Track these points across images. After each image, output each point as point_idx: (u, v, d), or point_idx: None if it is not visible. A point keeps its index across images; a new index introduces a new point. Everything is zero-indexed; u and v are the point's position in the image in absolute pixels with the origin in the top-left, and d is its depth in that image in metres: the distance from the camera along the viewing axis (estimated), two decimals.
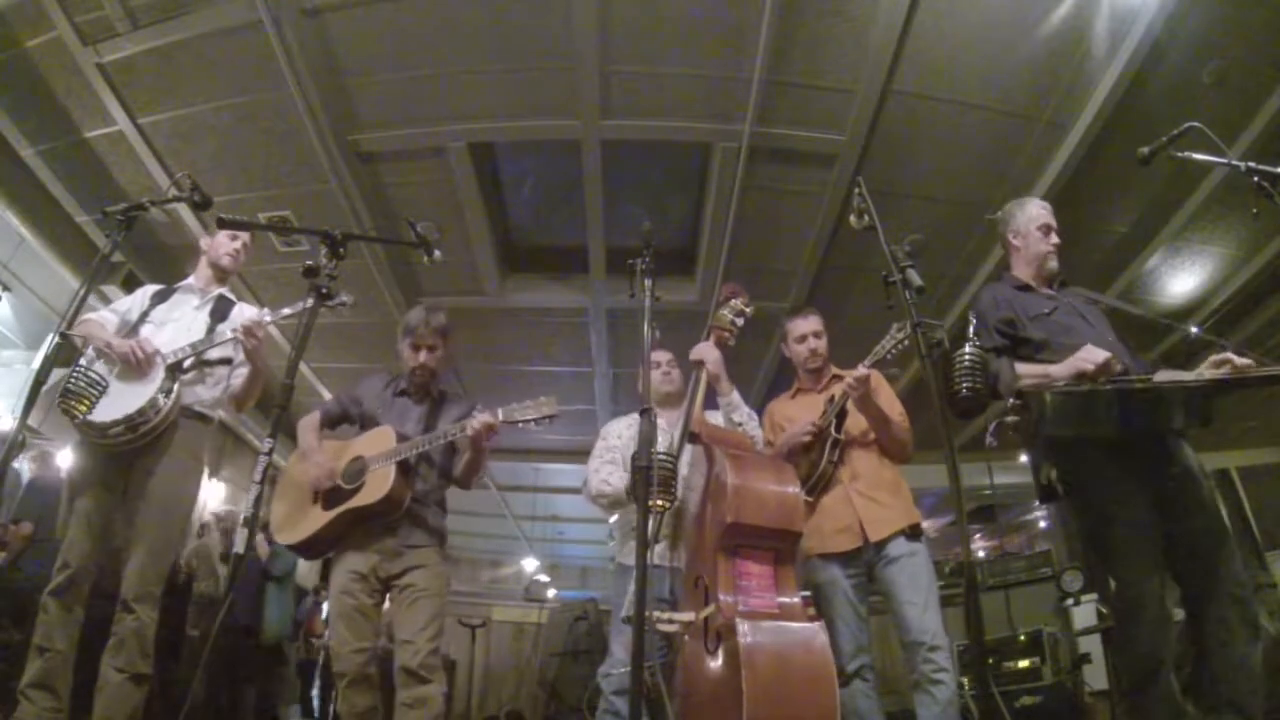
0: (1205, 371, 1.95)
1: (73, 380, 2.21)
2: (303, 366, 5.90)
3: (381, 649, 2.58)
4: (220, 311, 2.70)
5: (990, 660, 5.08)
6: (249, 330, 2.50)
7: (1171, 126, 2.12)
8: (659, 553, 2.52)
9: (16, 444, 2.01)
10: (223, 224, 2.31)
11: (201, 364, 2.59)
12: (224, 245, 2.80)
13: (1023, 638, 5.29)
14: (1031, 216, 2.46)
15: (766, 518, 2.10)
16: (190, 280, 2.79)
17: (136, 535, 2.34)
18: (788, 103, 3.90)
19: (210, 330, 2.61)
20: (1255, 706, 1.83)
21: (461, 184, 4.45)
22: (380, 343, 5.62)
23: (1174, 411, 1.98)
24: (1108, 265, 5.02)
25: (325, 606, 6.30)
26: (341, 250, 2.03)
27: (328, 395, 6.27)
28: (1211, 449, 6.85)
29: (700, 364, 2.50)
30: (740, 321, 2.58)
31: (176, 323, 2.64)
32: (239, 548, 1.73)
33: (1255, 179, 1.96)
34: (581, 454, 3.29)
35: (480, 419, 2.46)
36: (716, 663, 1.96)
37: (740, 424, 2.61)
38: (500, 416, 2.48)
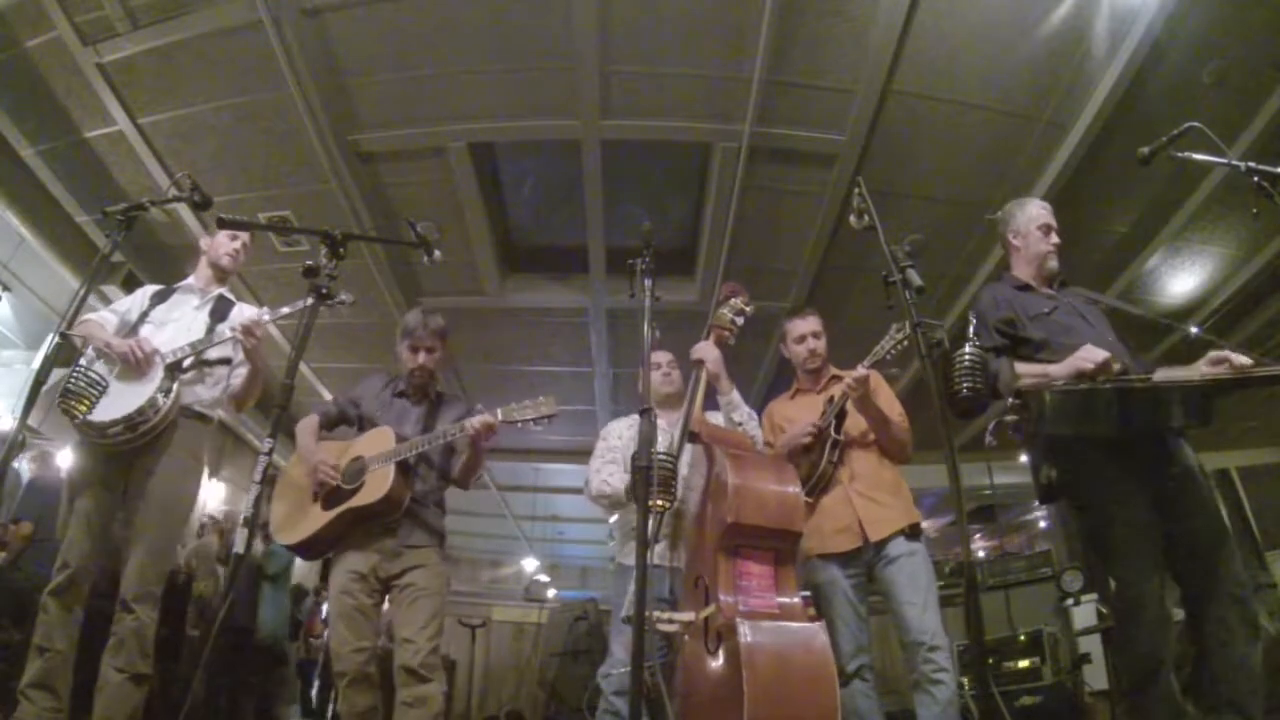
0: (1203, 367, 1.95)
1: (73, 380, 2.21)
2: (303, 366, 5.90)
3: (381, 649, 2.58)
4: (220, 311, 2.70)
5: (990, 660, 5.08)
6: (248, 329, 2.50)
7: (1171, 126, 2.12)
8: (659, 553, 2.52)
9: (16, 444, 2.01)
10: (223, 224, 2.31)
11: (201, 364, 2.59)
12: (224, 245, 2.80)
13: (1023, 638, 5.29)
14: (1031, 216, 2.46)
15: (767, 517, 2.10)
16: (190, 280, 2.79)
17: (136, 535, 2.34)
18: (788, 103, 3.90)
19: (210, 330, 2.61)
20: (1255, 706, 1.83)
21: (461, 184, 4.45)
22: (380, 343, 5.62)
23: (1174, 411, 1.98)
24: (1108, 265, 5.02)
25: (325, 607, 6.30)
26: (341, 250, 2.03)
27: (328, 395, 6.27)
28: (1211, 449, 6.84)
29: (700, 363, 2.50)
30: (740, 321, 2.58)
31: (176, 323, 2.64)
32: (239, 548, 1.73)
33: (1255, 179, 1.95)
34: (581, 454, 3.29)
35: (479, 419, 2.47)
36: (717, 663, 1.96)
37: (740, 423, 2.61)
38: (499, 416, 2.48)
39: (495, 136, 4.29)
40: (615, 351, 6.08)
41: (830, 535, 2.56)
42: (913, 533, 2.52)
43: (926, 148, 4.17)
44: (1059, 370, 2.05)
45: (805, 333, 2.81)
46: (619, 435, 3.02)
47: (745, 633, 1.86)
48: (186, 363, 2.51)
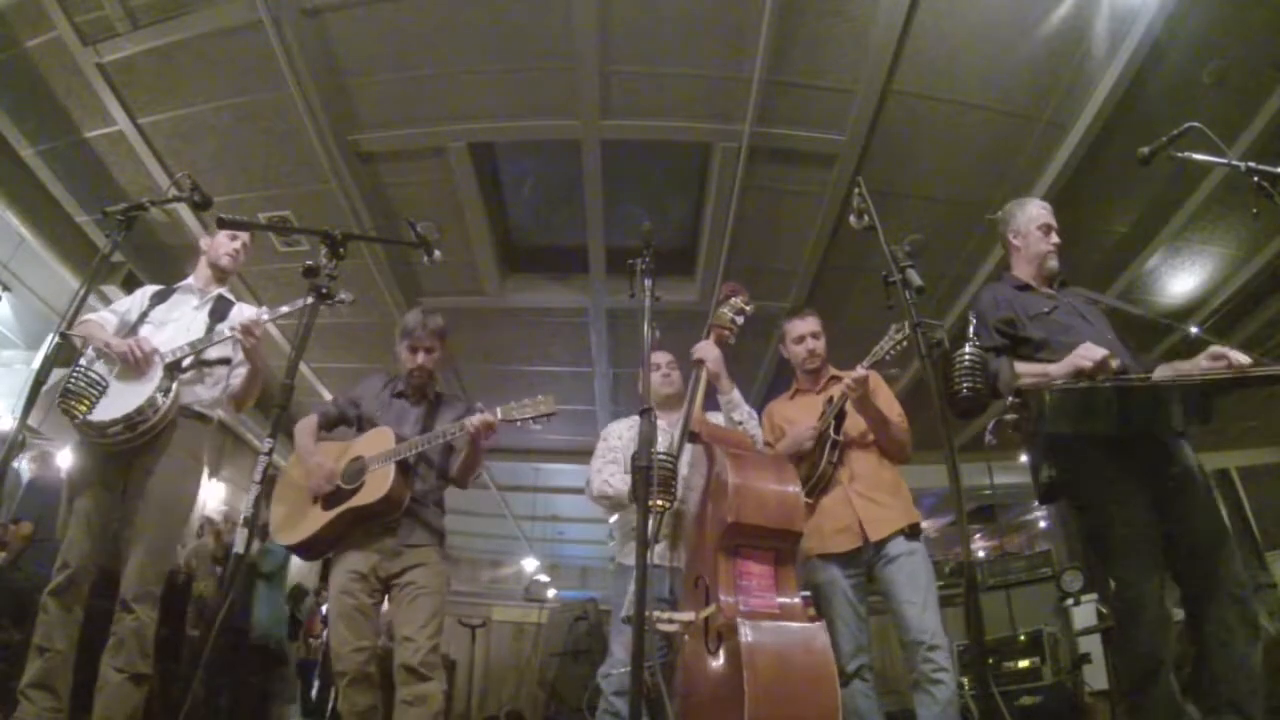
0: (1203, 362, 1.94)
1: (73, 380, 2.21)
2: (303, 366, 5.89)
3: (381, 648, 2.58)
4: (219, 311, 2.70)
5: (990, 660, 5.08)
6: (247, 329, 2.49)
7: (1171, 126, 2.12)
8: (659, 553, 2.52)
9: (16, 444, 2.01)
10: (223, 224, 2.31)
11: (200, 363, 2.59)
12: (223, 245, 2.80)
13: (1023, 638, 5.29)
14: (1031, 216, 2.46)
15: (767, 517, 2.10)
16: (190, 280, 2.79)
17: (136, 535, 2.34)
18: (788, 103, 3.90)
19: (209, 330, 2.61)
20: (1255, 706, 1.83)
21: (461, 184, 4.45)
22: (380, 343, 5.62)
23: (1173, 409, 1.98)
24: (1108, 265, 5.02)
25: (325, 608, 6.29)
26: (341, 250, 2.02)
27: (328, 395, 6.27)
28: (1211, 449, 6.85)
29: (701, 362, 2.50)
30: (740, 320, 2.58)
31: (176, 323, 2.64)
32: (239, 548, 1.73)
33: (1255, 179, 1.95)
34: (581, 454, 3.29)
35: (479, 417, 2.47)
36: (717, 663, 1.96)
37: (740, 422, 2.61)
38: (499, 415, 2.48)
39: (495, 136, 4.29)
40: (615, 351, 6.08)
41: (830, 535, 2.56)
42: (912, 532, 2.52)
43: (926, 148, 4.16)
44: (1058, 369, 2.05)
45: (804, 333, 2.81)
46: (619, 436, 3.02)
47: (746, 633, 1.86)
48: (186, 362, 2.51)
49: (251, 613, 5.12)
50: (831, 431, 2.60)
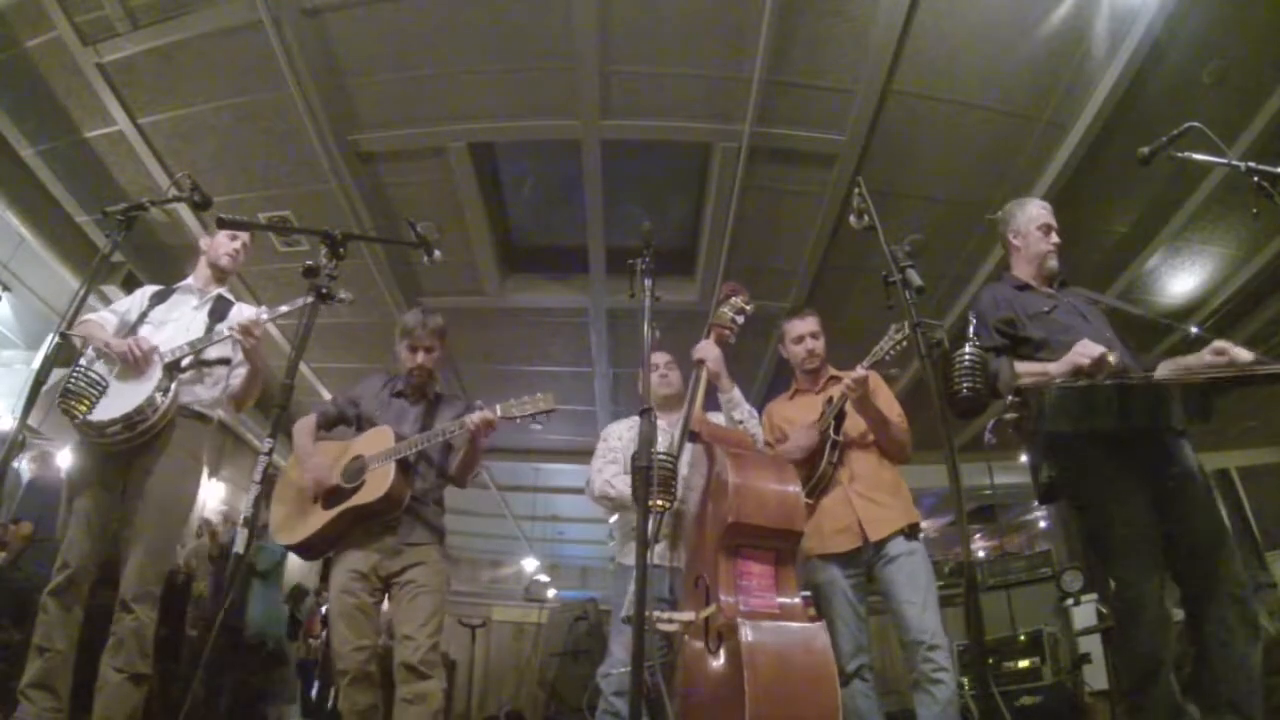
0: (1206, 356, 1.94)
1: (73, 380, 2.21)
2: (303, 366, 5.89)
3: (381, 647, 2.58)
4: (219, 311, 2.70)
5: (990, 660, 5.08)
6: (246, 329, 2.49)
7: (1171, 126, 2.12)
8: (659, 553, 2.52)
9: (16, 444, 2.01)
10: (223, 224, 2.31)
11: (200, 363, 2.59)
12: (223, 245, 2.80)
13: (1023, 638, 5.29)
14: (1031, 216, 2.46)
15: (767, 517, 2.10)
16: (189, 280, 2.79)
17: (135, 535, 2.34)
18: (788, 103, 3.90)
19: (209, 330, 2.60)
20: (1255, 706, 1.82)
21: (461, 184, 4.45)
22: (380, 343, 5.62)
23: (1173, 407, 1.98)
24: (1108, 265, 5.02)
25: (325, 607, 6.29)
26: (341, 250, 2.02)
27: (328, 395, 6.27)
28: (1211, 449, 6.85)
29: (701, 362, 2.50)
30: (740, 319, 2.58)
31: (175, 323, 2.63)
32: (239, 548, 1.73)
33: (1255, 179, 1.95)
34: (581, 454, 3.29)
35: (479, 415, 2.48)
36: (717, 663, 1.96)
37: (741, 421, 2.61)
38: (498, 412, 2.49)
39: (495, 136, 4.29)
40: (615, 351, 6.08)
41: (830, 535, 2.56)
42: (912, 532, 2.52)
43: (926, 148, 4.16)
44: (1057, 368, 2.05)
45: (804, 333, 2.81)
46: (619, 436, 3.02)
47: (746, 633, 1.86)
48: (185, 362, 2.51)
49: (246, 610, 5.11)
50: (831, 432, 2.60)
